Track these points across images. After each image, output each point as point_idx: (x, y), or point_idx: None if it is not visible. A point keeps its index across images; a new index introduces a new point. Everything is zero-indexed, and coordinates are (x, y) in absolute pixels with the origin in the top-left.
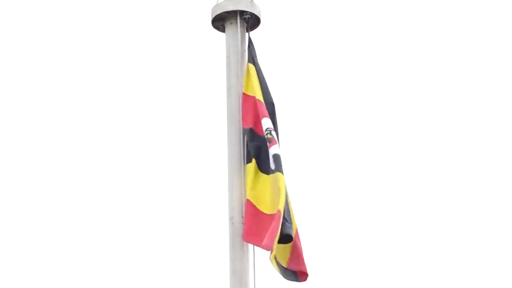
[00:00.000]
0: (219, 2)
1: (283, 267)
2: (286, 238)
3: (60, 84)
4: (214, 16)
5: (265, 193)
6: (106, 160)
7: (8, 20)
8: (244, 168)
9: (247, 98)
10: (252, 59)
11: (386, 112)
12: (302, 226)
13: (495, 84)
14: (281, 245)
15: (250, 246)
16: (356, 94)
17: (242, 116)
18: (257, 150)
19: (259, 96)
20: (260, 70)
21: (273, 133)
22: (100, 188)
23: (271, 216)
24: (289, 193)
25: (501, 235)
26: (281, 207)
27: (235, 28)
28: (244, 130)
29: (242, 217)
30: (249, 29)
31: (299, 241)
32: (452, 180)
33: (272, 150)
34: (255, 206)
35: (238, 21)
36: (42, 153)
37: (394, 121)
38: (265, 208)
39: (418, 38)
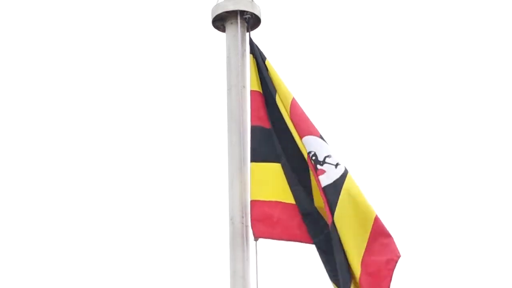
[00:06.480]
0: (219, 2)
1: None
2: None
3: (60, 84)
4: (214, 16)
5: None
6: (106, 159)
7: (8, 20)
8: (245, 168)
9: (256, 95)
10: (261, 57)
11: (389, 112)
12: None
13: (495, 84)
14: None
15: (251, 246)
16: (358, 94)
17: (251, 113)
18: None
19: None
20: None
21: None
22: (100, 188)
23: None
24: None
25: (501, 235)
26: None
27: (235, 28)
28: (255, 127)
29: (242, 217)
30: (249, 29)
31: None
32: (453, 180)
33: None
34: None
35: (239, 21)
36: (42, 153)
37: (396, 120)
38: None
39: (419, 36)
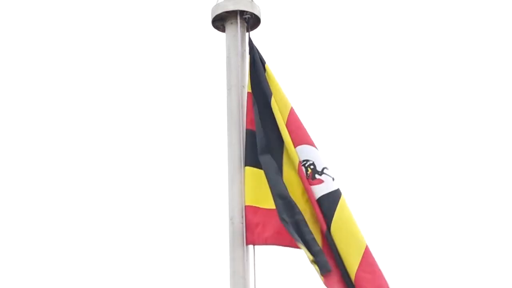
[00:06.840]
0: (219, 2)
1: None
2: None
3: (60, 84)
4: (214, 16)
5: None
6: (106, 160)
7: (8, 20)
8: (244, 169)
9: (249, 97)
10: (261, 61)
11: (389, 112)
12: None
13: (495, 84)
14: None
15: (250, 246)
16: (358, 94)
17: (246, 115)
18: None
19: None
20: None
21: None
22: (100, 188)
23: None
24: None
25: (501, 235)
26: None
27: (235, 28)
28: (247, 131)
29: (242, 217)
30: (249, 29)
31: None
32: (454, 180)
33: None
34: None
35: (238, 21)
36: (42, 154)
37: (397, 120)
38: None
39: (419, 36)
